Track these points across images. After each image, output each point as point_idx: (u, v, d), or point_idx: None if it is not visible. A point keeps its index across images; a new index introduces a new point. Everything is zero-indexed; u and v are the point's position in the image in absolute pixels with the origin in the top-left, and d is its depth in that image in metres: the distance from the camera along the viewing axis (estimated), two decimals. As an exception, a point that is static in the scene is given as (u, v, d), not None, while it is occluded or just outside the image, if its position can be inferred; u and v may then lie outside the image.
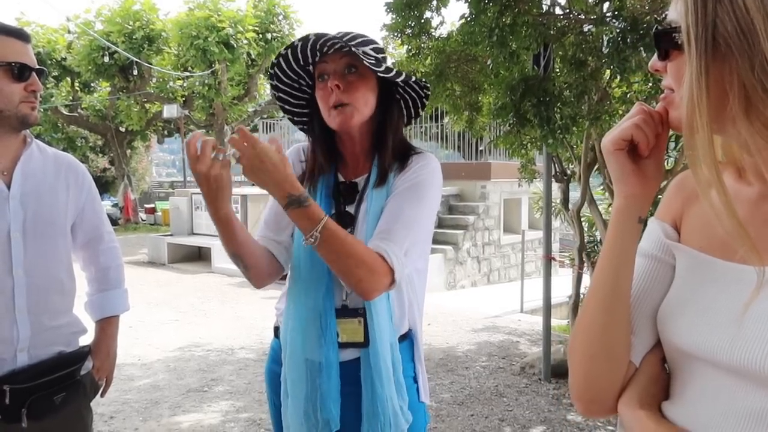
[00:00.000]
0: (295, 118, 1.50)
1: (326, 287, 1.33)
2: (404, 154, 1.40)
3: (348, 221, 1.36)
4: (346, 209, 1.38)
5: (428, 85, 1.44)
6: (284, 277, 1.48)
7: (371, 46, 1.37)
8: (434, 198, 1.38)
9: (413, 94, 1.44)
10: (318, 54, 1.33)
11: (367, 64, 1.28)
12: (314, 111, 1.41)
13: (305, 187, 1.37)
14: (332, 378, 1.32)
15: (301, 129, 1.51)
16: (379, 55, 1.38)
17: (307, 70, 1.39)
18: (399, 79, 1.34)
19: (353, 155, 1.43)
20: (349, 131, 1.37)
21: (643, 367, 0.76)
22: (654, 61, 0.71)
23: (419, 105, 1.47)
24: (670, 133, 0.75)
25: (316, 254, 1.28)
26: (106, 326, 1.72)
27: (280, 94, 1.44)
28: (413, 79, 1.38)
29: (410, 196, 1.33)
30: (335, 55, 1.33)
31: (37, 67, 1.48)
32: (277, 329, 1.48)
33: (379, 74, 1.32)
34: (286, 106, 1.47)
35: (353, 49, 1.27)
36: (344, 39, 1.31)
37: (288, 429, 1.36)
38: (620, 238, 0.76)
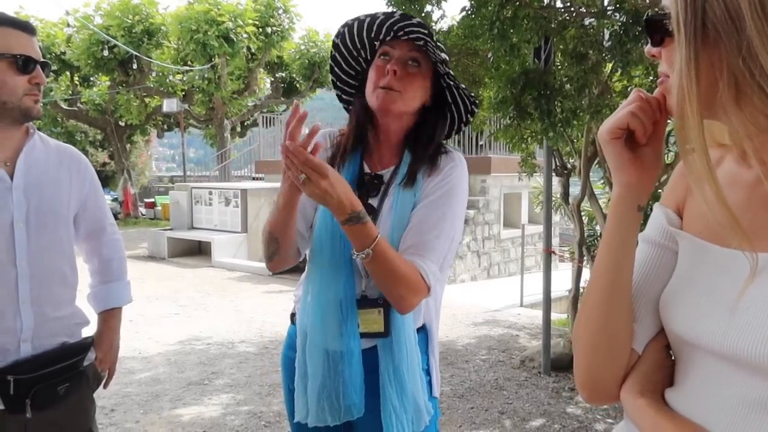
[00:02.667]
0: (338, 83, 1.49)
1: (346, 276, 1.32)
2: (434, 155, 1.39)
3: (371, 213, 1.35)
4: (369, 201, 1.38)
5: (477, 102, 1.42)
6: (297, 268, 1.49)
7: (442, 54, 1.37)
8: (464, 201, 1.38)
9: (461, 107, 1.42)
10: (392, 34, 1.32)
11: (433, 59, 1.28)
12: (361, 87, 1.40)
13: None
14: (354, 366, 1.33)
15: (338, 97, 1.51)
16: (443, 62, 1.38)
17: (373, 45, 1.38)
18: (455, 84, 1.35)
19: (382, 145, 1.42)
20: (386, 116, 1.36)
21: (646, 354, 0.76)
22: (649, 47, 0.71)
23: (463, 121, 1.46)
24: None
25: (337, 243, 1.30)
26: (109, 318, 1.73)
27: (336, 54, 1.44)
28: (468, 89, 1.38)
29: (444, 204, 1.32)
30: (405, 43, 1.32)
31: (42, 60, 1.48)
32: (293, 315, 1.49)
33: (438, 76, 1.32)
34: (336, 69, 1.46)
35: (428, 44, 1.27)
36: (424, 32, 1.31)
37: (307, 415, 1.36)
38: (620, 227, 0.76)
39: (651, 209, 0.85)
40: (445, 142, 1.47)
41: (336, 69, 1.46)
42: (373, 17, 1.32)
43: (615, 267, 0.76)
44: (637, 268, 0.78)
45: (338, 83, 1.49)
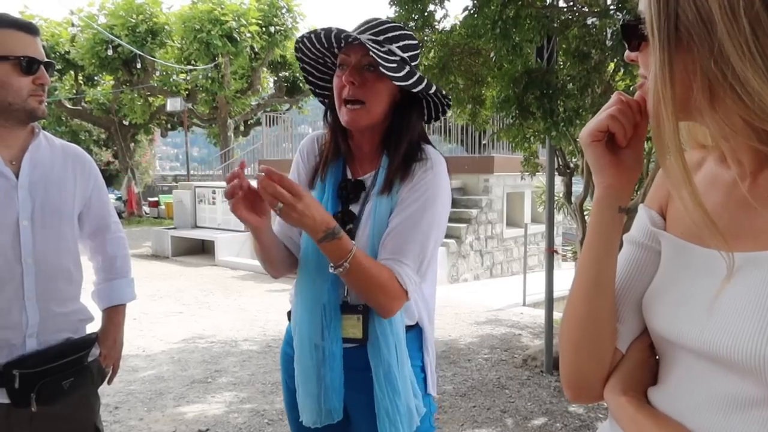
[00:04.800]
0: (317, 90, 1.49)
1: (330, 284, 1.34)
2: (411, 156, 1.37)
3: (351, 220, 1.37)
4: (350, 208, 1.39)
5: (449, 97, 1.42)
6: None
7: (402, 43, 1.33)
8: (444, 206, 1.37)
9: (435, 99, 1.40)
10: (343, 42, 1.31)
11: (384, 71, 1.24)
12: (333, 94, 1.38)
13: (317, 180, 1.41)
14: (335, 370, 1.34)
15: (321, 102, 1.50)
16: (408, 53, 1.34)
17: (333, 51, 1.37)
18: (417, 89, 1.30)
19: (361, 151, 1.42)
20: (356, 131, 1.37)
21: (629, 353, 0.77)
22: (628, 52, 0.72)
23: (440, 110, 1.43)
24: None
25: (322, 254, 1.30)
26: (113, 315, 1.75)
27: (305, 66, 1.44)
28: (433, 89, 1.33)
29: (419, 208, 1.32)
30: (358, 48, 1.30)
31: (45, 60, 1.49)
32: (289, 313, 1.51)
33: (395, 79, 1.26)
34: (310, 78, 1.46)
35: (371, 51, 1.24)
36: (377, 32, 1.29)
37: (303, 413, 1.38)
38: (601, 228, 0.77)
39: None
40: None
41: (310, 77, 1.46)
42: (316, 34, 1.31)
43: (597, 266, 0.77)
44: (621, 268, 0.79)
45: (317, 90, 1.49)
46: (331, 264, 1.23)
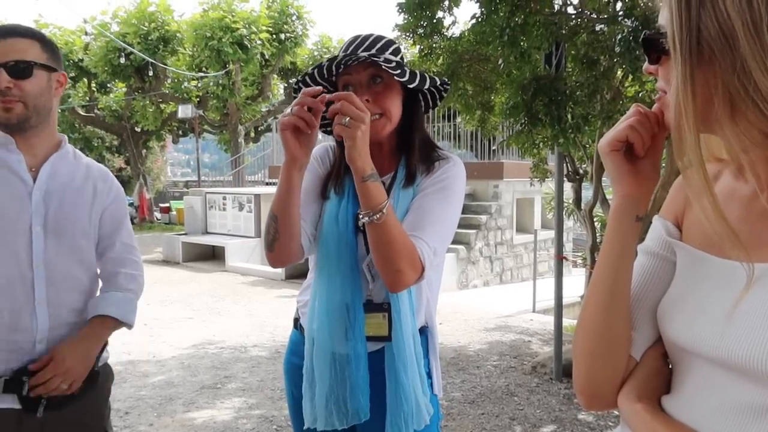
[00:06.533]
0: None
1: (353, 282, 1.35)
2: (429, 154, 1.43)
3: None
4: None
5: (448, 82, 1.46)
6: (304, 274, 1.51)
7: (391, 49, 1.38)
8: (460, 198, 1.41)
9: (432, 89, 1.45)
10: (342, 67, 1.34)
11: (397, 79, 1.30)
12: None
13: (331, 186, 1.42)
14: (361, 370, 1.36)
15: (324, 132, 1.51)
16: (398, 57, 1.39)
17: (330, 80, 1.40)
18: (425, 87, 1.36)
19: (379, 157, 1.43)
20: (379, 140, 1.39)
21: (644, 361, 0.78)
22: (647, 64, 0.73)
23: (437, 97, 1.48)
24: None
25: (344, 250, 1.33)
26: (96, 324, 1.55)
27: None
28: (438, 82, 1.40)
29: (439, 196, 1.36)
30: (359, 66, 1.33)
31: (8, 59, 1.37)
32: (296, 321, 1.51)
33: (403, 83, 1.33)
34: None
35: (381, 63, 1.28)
36: (367, 47, 1.32)
37: (315, 420, 1.38)
38: (618, 237, 0.78)
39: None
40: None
41: None
42: (320, 67, 1.34)
43: (614, 275, 0.77)
44: (636, 277, 0.80)
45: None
46: (367, 211, 1.20)
